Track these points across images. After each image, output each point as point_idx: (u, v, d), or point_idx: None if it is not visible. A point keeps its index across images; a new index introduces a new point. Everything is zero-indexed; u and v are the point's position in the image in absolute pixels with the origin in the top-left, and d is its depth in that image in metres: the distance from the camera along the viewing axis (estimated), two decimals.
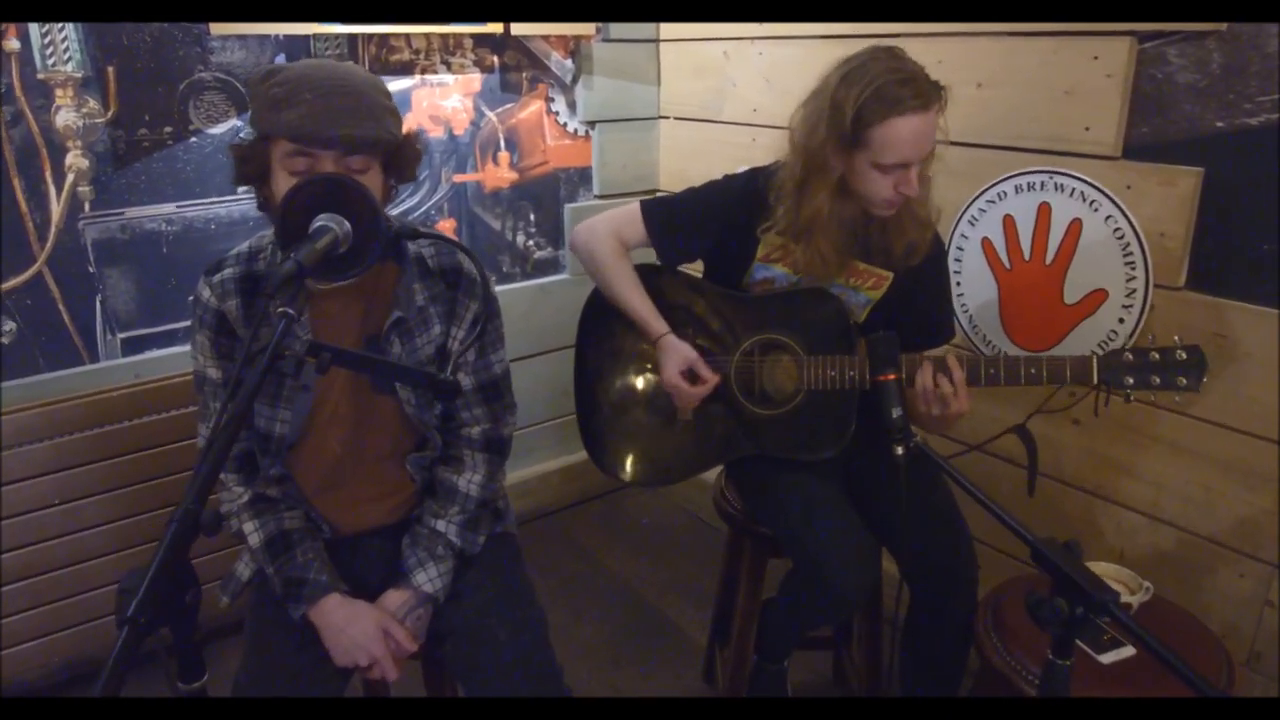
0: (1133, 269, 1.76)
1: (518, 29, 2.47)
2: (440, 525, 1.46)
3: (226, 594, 1.50)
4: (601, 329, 1.78)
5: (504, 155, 2.62)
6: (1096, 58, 1.76)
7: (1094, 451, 1.93)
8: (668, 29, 2.76)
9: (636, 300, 1.67)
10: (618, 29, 2.70)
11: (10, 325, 1.99)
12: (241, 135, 2.12)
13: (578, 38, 2.63)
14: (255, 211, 1.38)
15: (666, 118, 2.85)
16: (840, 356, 1.57)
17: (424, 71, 2.40)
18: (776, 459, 1.66)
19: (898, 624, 1.66)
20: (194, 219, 2.16)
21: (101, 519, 2.07)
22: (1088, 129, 1.80)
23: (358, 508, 1.50)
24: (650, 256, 1.74)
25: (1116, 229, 1.77)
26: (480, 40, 2.47)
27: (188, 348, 1.48)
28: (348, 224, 1.17)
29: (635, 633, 2.41)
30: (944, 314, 1.75)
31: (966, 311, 2.05)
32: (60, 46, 1.93)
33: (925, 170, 1.54)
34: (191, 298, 1.43)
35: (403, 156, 1.37)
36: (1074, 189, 1.82)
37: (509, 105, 2.58)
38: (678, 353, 1.63)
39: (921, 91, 1.43)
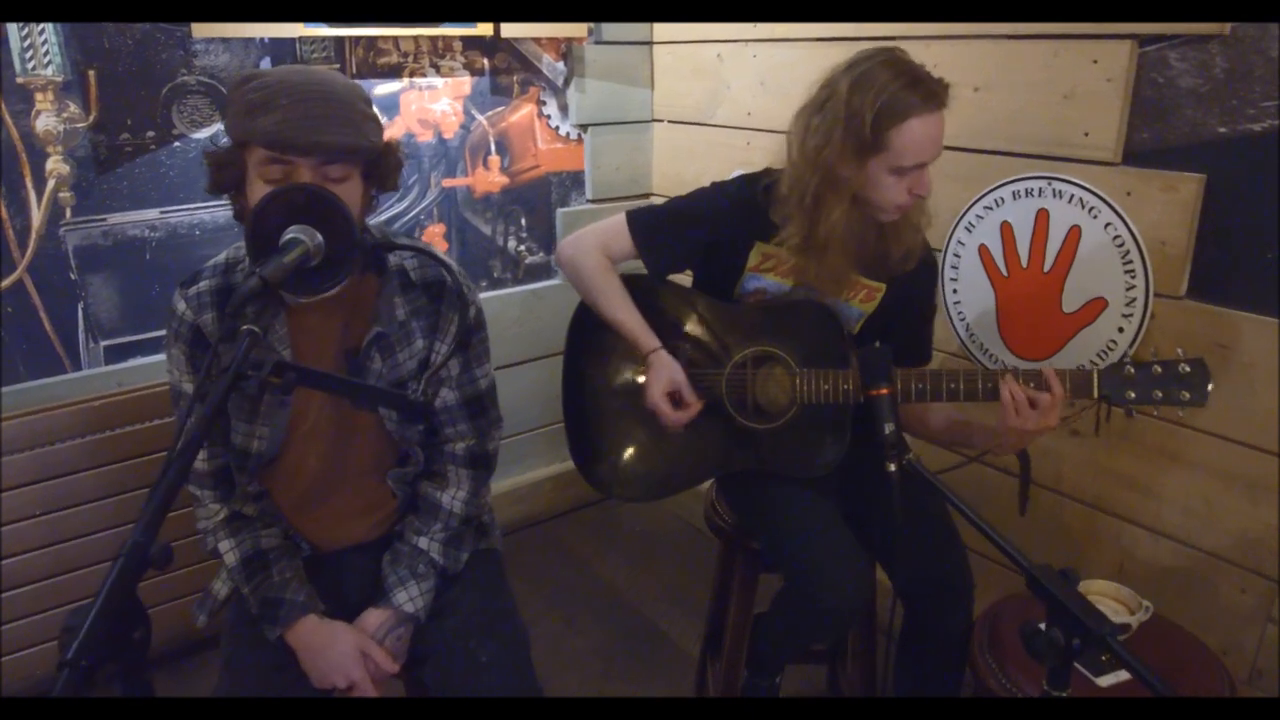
0: (1133, 277, 1.73)
1: (508, 30, 2.43)
2: (422, 543, 1.43)
3: (203, 612, 1.46)
4: (590, 342, 1.74)
5: (494, 159, 2.58)
6: (1096, 61, 1.72)
7: (1093, 463, 1.89)
8: (661, 31, 2.73)
9: (625, 315, 1.63)
10: (610, 31, 2.66)
11: None
12: (221, 142, 2.08)
13: (569, 40, 2.59)
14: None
15: (660, 121, 2.81)
16: (834, 370, 1.53)
17: (413, 75, 2.37)
18: (769, 473, 1.62)
19: (892, 636, 1.62)
20: (178, 225, 2.12)
21: (86, 529, 2.03)
22: (1087, 134, 1.76)
23: (338, 524, 1.47)
24: (638, 267, 1.70)
25: (1116, 236, 1.73)
26: (470, 43, 2.43)
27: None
28: (320, 236, 1.13)
29: (626, 643, 2.37)
30: (926, 336, 1.73)
31: (963, 320, 2.01)
32: (40, 50, 1.89)
33: None
34: (168, 309, 1.40)
35: (384, 165, 1.33)
36: (1073, 195, 1.78)
37: (499, 109, 2.54)
38: (665, 372, 1.59)
39: (934, 91, 1.43)
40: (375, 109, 1.31)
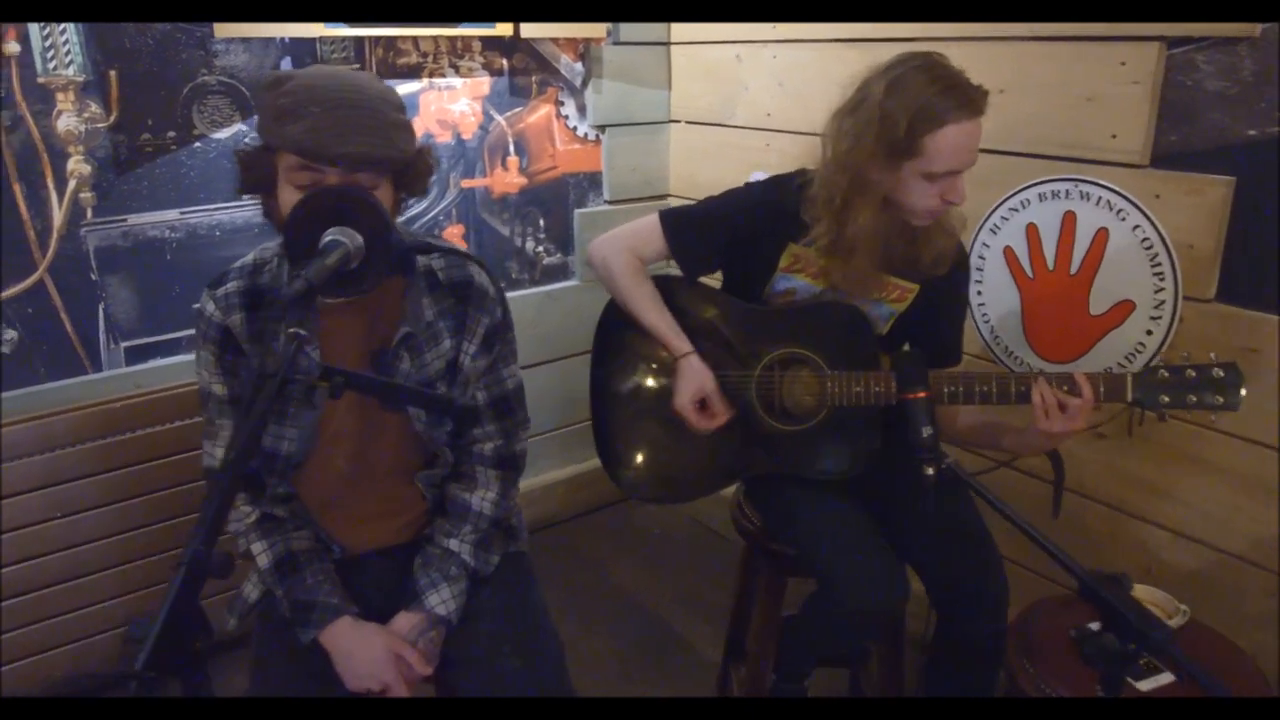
0: (1161, 280, 1.72)
1: (527, 30, 2.42)
2: (453, 545, 1.42)
3: (234, 615, 1.45)
4: (618, 342, 1.73)
5: (513, 160, 2.57)
6: (1124, 63, 1.72)
7: (1118, 466, 1.88)
8: (679, 32, 2.72)
9: (657, 317, 1.62)
10: (628, 32, 2.66)
11: (11, 334, 1.95)
12: (247, 141, 2.08)
13: (588, 40, 2.59)
14: (260, 218, 1.33)
15: (678, 122, 2.81)
16: (866, 373, 1.52)
17: (432, 75, 2.36)
18: (797, 476, 1.62)
19: (924, 645, 1.61)
20: (198, 225, 2.11)
21: (102, 533, 2.02)
22: (1114, 136, 1.75)
23: (365, 526, 1.46)
24: (662, 268, 1.70)
25: (1144, 239, 1.73)
26: (489, 43, 2.43)
27: (191, 357, 1.44)
28: (360, 238, 1.13)
29: (645, 648, 2.36)
30: (957, 338, 1.72)
31: (988, 322, 2.01)
32: (61, 50, 1.88)
33: None
34: (196, 307, 1.39)
35: (414, 171, 1.32)
36: (1100, 198, 1.77)
37: (518, 109, 2.54)
38: (696, 379, 1.58)
39: (972, 98, 1.41)
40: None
